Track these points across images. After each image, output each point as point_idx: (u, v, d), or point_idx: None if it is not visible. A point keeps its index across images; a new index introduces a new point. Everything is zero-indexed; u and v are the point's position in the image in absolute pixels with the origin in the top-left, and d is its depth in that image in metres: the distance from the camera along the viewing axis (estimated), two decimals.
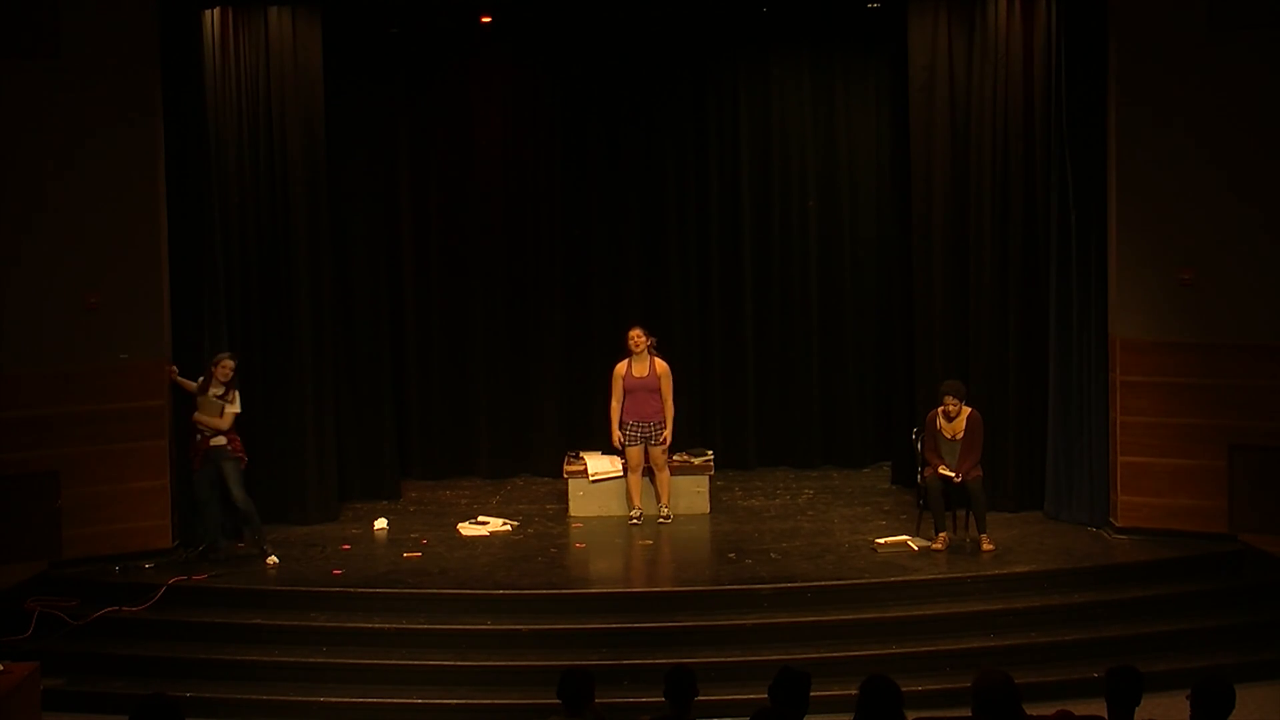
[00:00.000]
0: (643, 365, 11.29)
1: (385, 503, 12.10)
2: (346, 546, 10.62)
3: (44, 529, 10.21)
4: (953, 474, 10.27)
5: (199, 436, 10.45)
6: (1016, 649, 9.02)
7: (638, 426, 11.28)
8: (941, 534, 10.35)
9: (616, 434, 11.33)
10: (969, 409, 10.42)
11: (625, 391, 11.28)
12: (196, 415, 10.46)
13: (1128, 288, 10.61)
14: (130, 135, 10.46)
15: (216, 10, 11.19)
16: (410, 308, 13.22)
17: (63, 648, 9.28)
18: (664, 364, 11.36)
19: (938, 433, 10.42)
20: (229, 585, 9.95)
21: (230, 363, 10.48)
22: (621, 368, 11.34)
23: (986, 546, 10.25)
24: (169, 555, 10.51)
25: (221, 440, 10.43)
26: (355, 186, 12.38)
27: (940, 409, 10.43)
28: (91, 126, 10.33)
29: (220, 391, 10.43)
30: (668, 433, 11.31)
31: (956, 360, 11.42)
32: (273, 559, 10.43)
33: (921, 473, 10.54)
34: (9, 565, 9.91)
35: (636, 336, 11.28)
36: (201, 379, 10.47)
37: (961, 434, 10.36)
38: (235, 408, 10.48)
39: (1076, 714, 5.79)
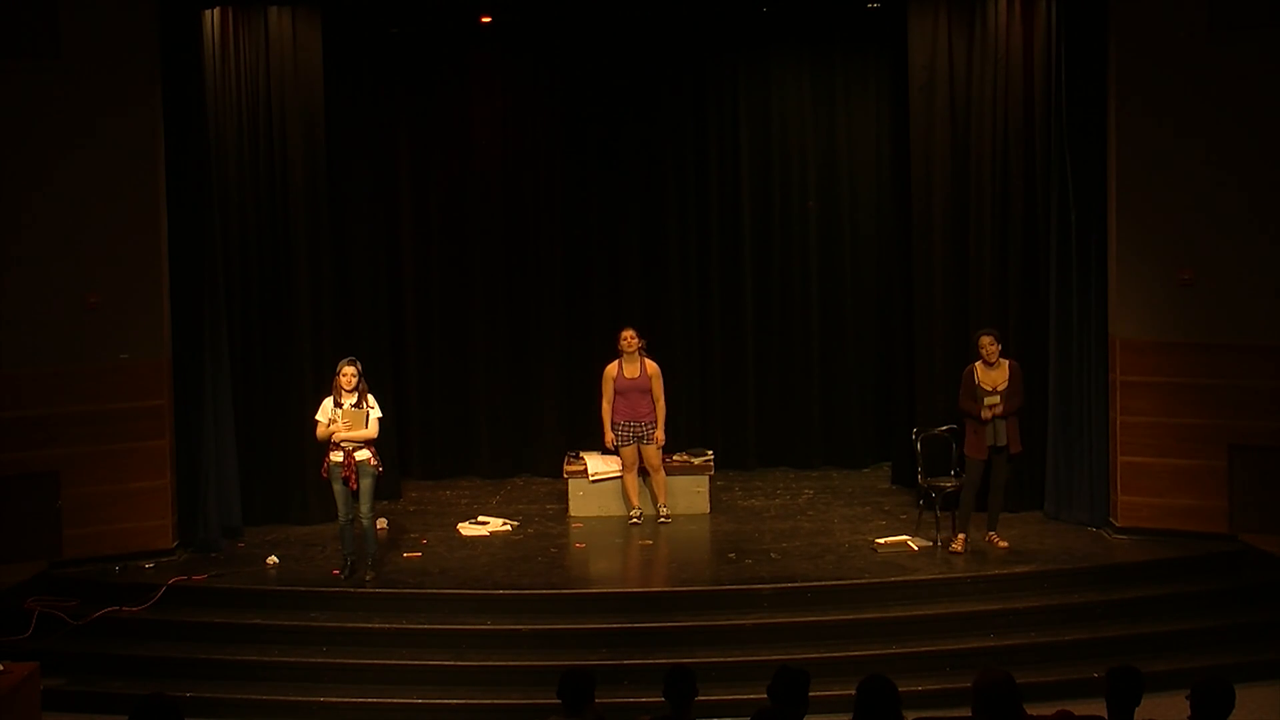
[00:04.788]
0: (634, 366, 11.29)
1: (385, 502, 12.07)
2: None
3: (44, 529, 10.22)
4: (998, 407, 10.01)
5: (341, 453, 9.67)
6: (1016, 649, 9.01)
7: (629, 426, 11.28)
8: (960, 535, 10.23)
9: (609, 434, 11.33)
10: (1007, 360, 10.29)
11: (617, 392, 11.29)
12: (340, 433, 9.66)
13: (1128, 288, 10.61)
14: (130, 135, 10.46)
15: (216, 10, 11.19)
16: (410, 307, 13.23)
17: (63, 648, 9.28)
18: (654, 365, 11.37)
19: (976, 386, 10.19)
20: (229, 585, 9.95)
21: (351, 368, 9.72)
22: (612, 369, 11.35)
23: (1001, 544, 10.26)
24: (169, 555, 10.52)
25: (366, 454, 9.74)
26: (355, 186, 12.40)
27: (978, 362, 10.25)
28: (92, 126, 10.33)
29: (354, 400, 9.72)
30: (660, 431, 11.32)
31: (957, 360, 11.38)
32: (273, 559, 10.42)
33: (960, 467, 10.40)
34: (9, 565, 9.91)
35: (630, 337, 11.29)
36: (329, 399, 9.79)
37: (1004, 385, 10.17)
38: (379, 413, 9.83)
39: (1076, 714, 5.79)
